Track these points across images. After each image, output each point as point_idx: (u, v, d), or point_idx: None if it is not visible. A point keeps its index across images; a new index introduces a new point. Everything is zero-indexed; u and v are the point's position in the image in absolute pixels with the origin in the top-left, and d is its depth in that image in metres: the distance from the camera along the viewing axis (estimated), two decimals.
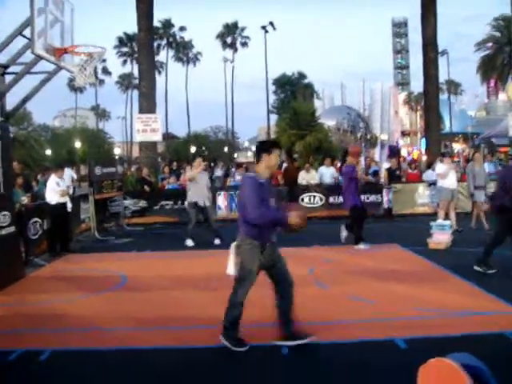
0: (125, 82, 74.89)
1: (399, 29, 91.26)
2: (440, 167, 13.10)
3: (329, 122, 48.34)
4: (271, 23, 36.77)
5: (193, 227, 12.38)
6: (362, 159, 24.29)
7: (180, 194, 16.07)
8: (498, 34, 48.94)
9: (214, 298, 6.92)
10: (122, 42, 66.35)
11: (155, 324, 6.18)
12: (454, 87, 73.19)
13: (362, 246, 11.02)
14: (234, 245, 5.24)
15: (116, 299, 7.45)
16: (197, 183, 12.29)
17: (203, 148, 57.93)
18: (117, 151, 58.32)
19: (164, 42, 65.77)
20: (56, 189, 11.51)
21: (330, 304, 6.83)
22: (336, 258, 10.06)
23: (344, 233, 11.61)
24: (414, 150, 50.15)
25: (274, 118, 57.99)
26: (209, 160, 36.66)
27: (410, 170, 19.02)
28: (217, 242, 12.10)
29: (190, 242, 12.24)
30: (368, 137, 53.14)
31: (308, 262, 9.43)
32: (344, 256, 10.26)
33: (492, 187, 15.98)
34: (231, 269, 5.21)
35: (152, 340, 5.65)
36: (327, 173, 17.21)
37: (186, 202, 13.25)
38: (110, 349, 5.41)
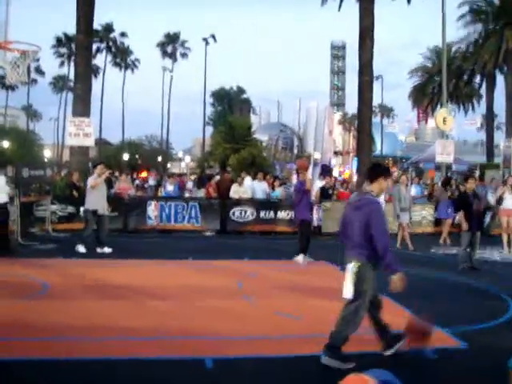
0: (59, 83, 72.96)
1: (337, 51, 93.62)
2: None
3: (263, 138, 48.86)
4: (213, 36, 36.98)
5: (89, 234, 12.18)
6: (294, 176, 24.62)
7: (110, 200, 15.82)
8: (429, 64, 50.97)
9: (128, 308, 6.88)
10: (60, 42, 64.65)
11: (72, 334, 5.98)
12: (386, 111, 75.53)
13: (300, 259, 11.20)
14: (352, 268, 5.29)
15: (33, 308, 7.17)
16: (98, 191, 12.17)
17: (136, 156, 57.05)
18: (47, 154, 56.56)
19: (103, 45, 64.56)
20: None
21: (256, 318, 6.83)
22: (265, 272, 10.11)
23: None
24: (345, 169, 51.25)
25: (210, 130, 58.04)
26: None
27: (341, 190, 19.42)
28: (82, 250, 11.94)
29: (81, 249, 12.00)
30: (302, 154, 53.95)
31: (237, 276, 9.45)
32: (273, 271, 10.33)
33: (417, 210, 16.64)
34: (348, 292, 5.27)
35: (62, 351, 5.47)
36: (259, 188, 17.33)
37: (82, 209, 13.12)
38: (17, 359, 5.16)
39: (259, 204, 16.72)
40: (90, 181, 12.44)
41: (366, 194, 5.43)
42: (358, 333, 6.22)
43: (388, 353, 5.45)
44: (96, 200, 12.17)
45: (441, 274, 10.27)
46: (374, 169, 5.71)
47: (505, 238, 13.58)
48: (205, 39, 36.82)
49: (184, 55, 67.72)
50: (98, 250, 12.07)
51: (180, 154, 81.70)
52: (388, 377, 2.21)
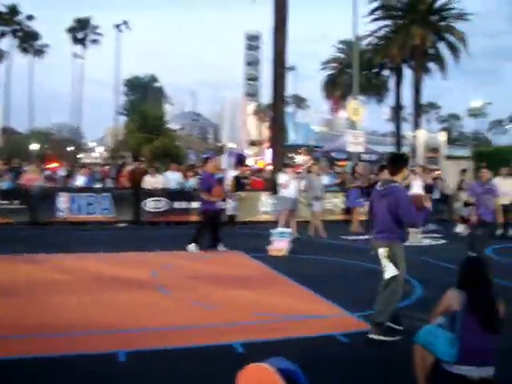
0: None
1: (252, 42, 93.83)
2: (282, 177, 13.58)
3: (177, 127, 48.39)
4: (125, 22, 36.03)
5: None
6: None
7: (17, 193, 15.19)
8: (341, 55, 52.17)
9: (36, 304, 6.66)
10: None
11: None
12: (300, 102, 76.72)
13: (193, 248, 11.22)
14: (382, 250, 5.67)
15: None
16: None
17: (45, 146, 54.88)
18: None
19: (8, 29, 61.35)
20: None
21: (172, 310, 6.75)
22: (179, 263, 10.01)
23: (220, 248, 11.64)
24: (260, 159, 51.61)
25: (123, 119, 56.75)
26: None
27: (255, 178, 19.49)
28: None
29: None
30: (217, 144, 53.90)
31: (150, 268, 9.29)
32: (187, 262, 10.24)
33: (329, 198, 17.02)
34: (390, 273, 5.65)
35: None
36: (173, 178, 17.14)
37: None
38: None
39: (173, 194, 16.53)
40: None
41: (392, 182, 5.79)
42: (266, 322, 6.31)
43: (373, 336, 5.63)
44: None
45: (352, 261, 10.54)
46: (396, 160, 6.11)
47: None
48: (117, 26, 35.82)
49: (95, 41, 65.76)
50: None
51: (92, 144, 79.52)
52: (287, 365, 2.23)
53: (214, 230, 11.59)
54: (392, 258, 5.64)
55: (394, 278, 5.67)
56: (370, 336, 5.61)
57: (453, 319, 3.97)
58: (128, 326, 5.95)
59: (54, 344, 5.37)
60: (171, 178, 17.15)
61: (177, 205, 16.36)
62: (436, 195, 16.64)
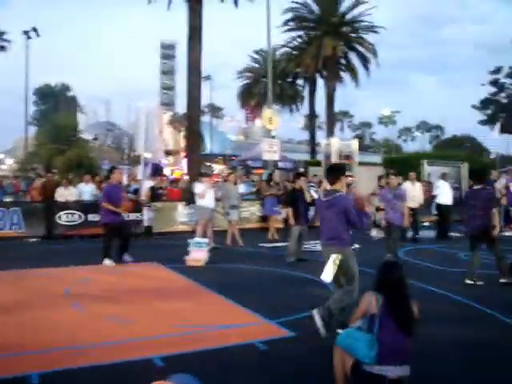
0: None
1: (167, 51, 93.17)
2: (199, 187, 13.52)
3: (90, 138, 47.29)
4: (34, 29, 34.74)
5: None
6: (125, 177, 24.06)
7: None
8: (256, 65, 52.79)
9: None
10: None
11: None
12: (216, 111, 76.88)
13: (108, 263, 10.98)
14: (335, 256, 5.97)
15: None
16: None
17: None
18: None
19: None
20: None
21: (86, 326, 6.53)
22: (94, 278, 9.72)
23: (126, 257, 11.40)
24: (176, 169, 51.21)
25: (34, 130, 54.71)
26: None
27: (171, 187, 19.27)
28: None
29: None
30: (132, 154, 53.01)
31: (64, 283, 8.99)
32: (102, 276, 9.98)
33: (246, 206, 17.13)
34: (328, 277, 6.00)
35: None
36: (86, 190, 16.69)
37: None
38: None
39: (87, 207, 16.08)
40: None
41: (335, 192, 6.23)
42: (186, 333, 6.26)
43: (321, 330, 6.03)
44: None
45: (270, 268, 10.64)
46: (333, 170, 6.61)
47: None
48: (26, 32, 34.49)
49: (3, 48, 63.06)
50: None
51: (0, 156, 76.18)
52: (190, 381, 2.22)
53: (122, 241, 11.36)
54: (345, 263, 6.06)
55: (351, 282, 6.16)
56: (312, 313, 6.15)
57: (371, 321, 4.10)
58: (40, 346, 5.70)
59: None
60: (85, 190, 16.68)
61: (91, 217, 15.89)
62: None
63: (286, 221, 14.99)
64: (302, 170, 25.76)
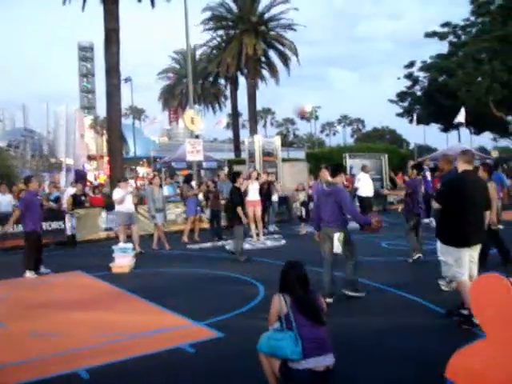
0: None
1: (85, 53, 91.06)
2: (117, 192, 13.29)
3: (4, 145, 45.66)
4: None
5: None
6: (46, 184, 23.35)
7: None
8: (177, 65, 52.51)
9: None
10: None
11: None
12: (138, 113, 75.83)
13: (30, 275, 10.63)
14: (338, 234, 7.43)
15: None
16: None
17: None
18: None
19: None
20: None
21: (9, 344, 6.29)
22: (14, 292, 9.37)
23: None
24: (100, 174, 50.17)
25: None
26: None
27: (93, 195, 18.83)
28: None
29: None
30: (52, 161, 51.51)
31: None
32: (23, 289, 9.62)
33: (171, 208, 16.96)
34: (338, 248, 7.42)
35: None
36: (4, 200, 16.02)
37: None
38: None
39: (4, 218, 15.38)
40: None
41: (335, 185, 7.74)
42: (112, 342, 6.14)
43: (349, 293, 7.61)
44: None
45: (197, 269, 10.61)
46: (335, 168, 8.09)
47: (252, 228, 14.49)
48: None
49: None
50: None
51: None
52: None
53: (37, 252, 11.01)
54: (345, 238, 7.49)
55: (353, 255, 7.74)
56: (347, 292, 7.59)
57: (287, 320, 4.18)
58: None
59: None
60: (1, 201, 15.99)
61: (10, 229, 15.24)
62: (275, 198, 17.27)
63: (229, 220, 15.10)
64: (226, 168, 25.87)
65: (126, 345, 6.01)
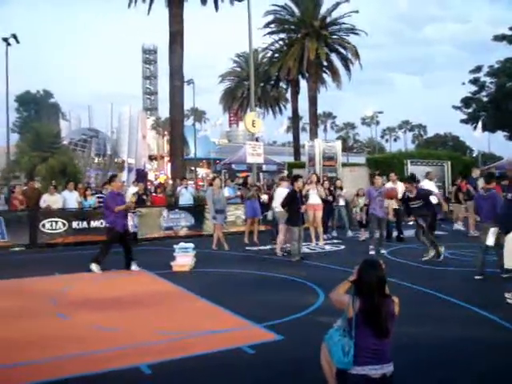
0: None
1: (149, 55, 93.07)
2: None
3: (73, 144, 47.00)
4: (14, 36, 34.36)
5: None
6: None
7: None
8: (238, 69, 52.92)
9: None
10: None
11: None
12: (199, 115, 76.81)
13: (94, 268, 10.92)
14: (493, 229, 8.93)
15: None
16: None
17: None
18: None
19: None
20: None
21: (73, 336, 6.44)
22: (79, 286, 9.65)
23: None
24: (160, 174, 51.16)
25: (15, 137, 54.21)
26: None
27: (155, 194, 19.24)
28: None
29: None
30: (116, 160, 52.80)
31: (49, 293, 8.88)
32: (87, 284, 9.91)
33: (231, 210, 17.09)
34: (491, 241, 9.03)
35: None
36: (71, 197, 16.55)
37: None
38: None
39: (71, 214, 15.96)
40: None
41: (490, 190, 9.59)
42: (173, 340, 6.23)
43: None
44: None
45: (255, 271, 10.64)
46: (490, 175, 10.01)
47: (312, 231, 14.46)
48: (5, 39, 34.09)
49: None
50: None
51: None
52: None
53: (125, 249, 11.30)
54: (498, 234, 8.82)
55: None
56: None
57: (349, 325, 4.02)
58: (27, 356, 5.63)
59: None
60: (69, 198, 16.54)
61: (75, 225, 15.79)
62: (342, 202, 17.09)
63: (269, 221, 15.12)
64: (285, 172, 25.83)
65: (186, 343, 6.08)
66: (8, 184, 27.35)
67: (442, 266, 10.74)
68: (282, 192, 13.05)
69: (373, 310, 3.94)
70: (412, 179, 12.35)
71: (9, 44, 34.47)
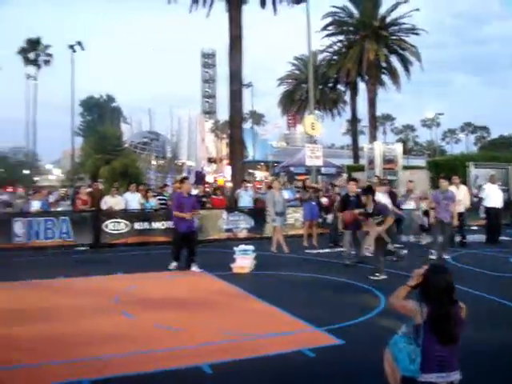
0: None
1: (208, 59, 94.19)
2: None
3: (134, 147, 48.01)
4: (79, 43, 35.53)
5: None
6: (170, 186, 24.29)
7: None
8: (297, 71, 52.83)
9: None
10: None
11: None
12: (257, 118, 77.17)
13: (172, 265, 11.38)
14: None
15: None
16: None
17: (0, 170, 53.73)
18: None
19: None
20: None
21: (136, 334, 6.60)
22: (141, 285, 9.84)
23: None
24: (219, 176, 51.65)
25: (80, 141, 55.92)
26: None
27: (215, 196, 19.41)
28: None
29: None
30: (176, 162, 53.64)
31: (112, 291, 9.12)
32: (150, 283, 10.10)
33: (290, 213, 17.08)
34: None
35: None
36: (133, 199, 16.93)
37: None
38: None
39: (133, 215, 16.33)
40: None
41: None
42: (233, 341, 6.27)
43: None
44: None
45: (315, 274, 10.58)
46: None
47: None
48: (71, 46, 35.29)
49: (47, 62, 64.72)
50: None
51: (49, 167, 78.14)
52: None
53: (188, 250, 11.54)
54: None
55: None
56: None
57: (416, 332, 3.91)
58: (92, 352, 5.79)
59: (23, 373, 5.21)
60: (131, 199, 16.93)
61: (137, 226, 16.16)
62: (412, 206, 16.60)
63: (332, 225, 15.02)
64: (345, 175, 25.61)
65: (247, 344, 6.11)
66: (73, 185, 28.26)
67: (509, 273, 10.40)
68: (380, 197, 12.82)
69: (442, 317, 3.81)
70: (368, 191, 11.00)
71: (74, 51, 35.67)
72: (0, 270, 11.49)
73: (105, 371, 5.23)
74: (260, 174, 49.59)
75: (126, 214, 16.27)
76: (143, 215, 16.48)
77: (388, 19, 39.46)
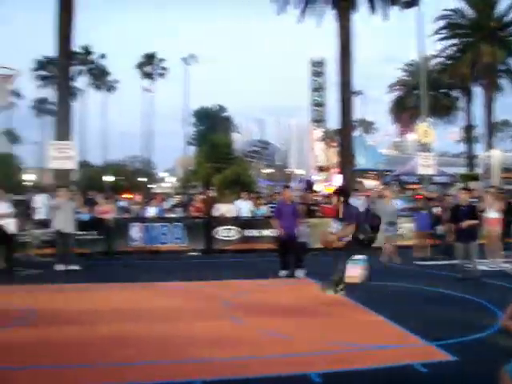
0: (39, 105, 72.40)
1: (317, 68, 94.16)
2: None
3: (244, 155, 48.95)
4: (193, 56, 36.89)
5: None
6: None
7: (93, 224, 15.65)
8: (408, 78, 51.61)
9: (116, 333, 6.87)
10: (41, 64, 64.31)
11: (66, 361, 5.88)
12: (367, 126, 76.14)
13: (280, 274, 11.55)
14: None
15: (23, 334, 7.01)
16: (62, 211, 13.01)
17: (119, 177, 56.68)
18: (30, 177, 55.26)
19: (83, 68, 64.44)
20: None
21: (244, 339, 6.76)
22: (251, 291, 10.06)
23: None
24: (328, 185, 51.39)
25: (192, 150, 57.94)
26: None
27: (326, 205, 19.33)
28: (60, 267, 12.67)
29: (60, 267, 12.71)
30: (286, 171, 54.10)
31: (222, 296, 9.39)
32: (259, 290, 10.30)
33: (402, 222, 16.70)
34: None
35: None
36: (245, 206, 17.29)
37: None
38: None
39: (244, 223, 16.68)
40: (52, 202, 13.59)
41: None
42: (342, 351, 6.24)
43: None
44: (59, 220, 12.98)
45: (426, 287, 10.29)
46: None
47: (489, 248, 13.62)
48: (184, 59, 36.77)
49: (161, 75, 67.67)
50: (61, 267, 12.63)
51: (163, 174, 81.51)
52: None
53: (295, 256, 11.80)
54: None
55: None
56: None
57: None
58: (201, 354, 6.01)
59: (135, 371, 5.50)
60: (242, 207, 17.30)
61: (247, 233, 16.50)
62: None
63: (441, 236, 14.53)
64: (459, 184, 24.67)
65: (356, 355, 6.06)
66: (187, 192, 29.28)
67: None
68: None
69: None
70: (342, 193, 10.01)
71: (188, 63, 37.01)
72: (118, 272, 12.19)
73: (213, 373, 5.41)
74: (369, 183, 48.75)
75: (237, 222, 16.65)
76: (253, 222, 16.79)
77: (506, 19, 37.58)
